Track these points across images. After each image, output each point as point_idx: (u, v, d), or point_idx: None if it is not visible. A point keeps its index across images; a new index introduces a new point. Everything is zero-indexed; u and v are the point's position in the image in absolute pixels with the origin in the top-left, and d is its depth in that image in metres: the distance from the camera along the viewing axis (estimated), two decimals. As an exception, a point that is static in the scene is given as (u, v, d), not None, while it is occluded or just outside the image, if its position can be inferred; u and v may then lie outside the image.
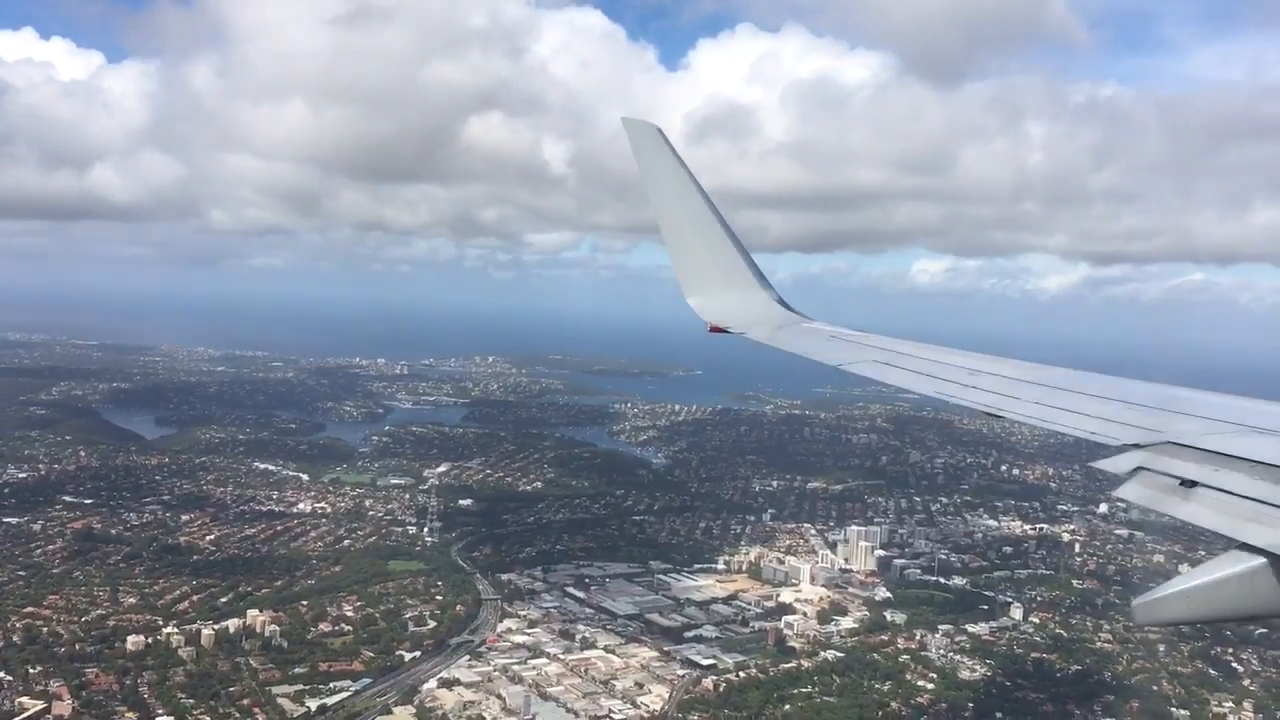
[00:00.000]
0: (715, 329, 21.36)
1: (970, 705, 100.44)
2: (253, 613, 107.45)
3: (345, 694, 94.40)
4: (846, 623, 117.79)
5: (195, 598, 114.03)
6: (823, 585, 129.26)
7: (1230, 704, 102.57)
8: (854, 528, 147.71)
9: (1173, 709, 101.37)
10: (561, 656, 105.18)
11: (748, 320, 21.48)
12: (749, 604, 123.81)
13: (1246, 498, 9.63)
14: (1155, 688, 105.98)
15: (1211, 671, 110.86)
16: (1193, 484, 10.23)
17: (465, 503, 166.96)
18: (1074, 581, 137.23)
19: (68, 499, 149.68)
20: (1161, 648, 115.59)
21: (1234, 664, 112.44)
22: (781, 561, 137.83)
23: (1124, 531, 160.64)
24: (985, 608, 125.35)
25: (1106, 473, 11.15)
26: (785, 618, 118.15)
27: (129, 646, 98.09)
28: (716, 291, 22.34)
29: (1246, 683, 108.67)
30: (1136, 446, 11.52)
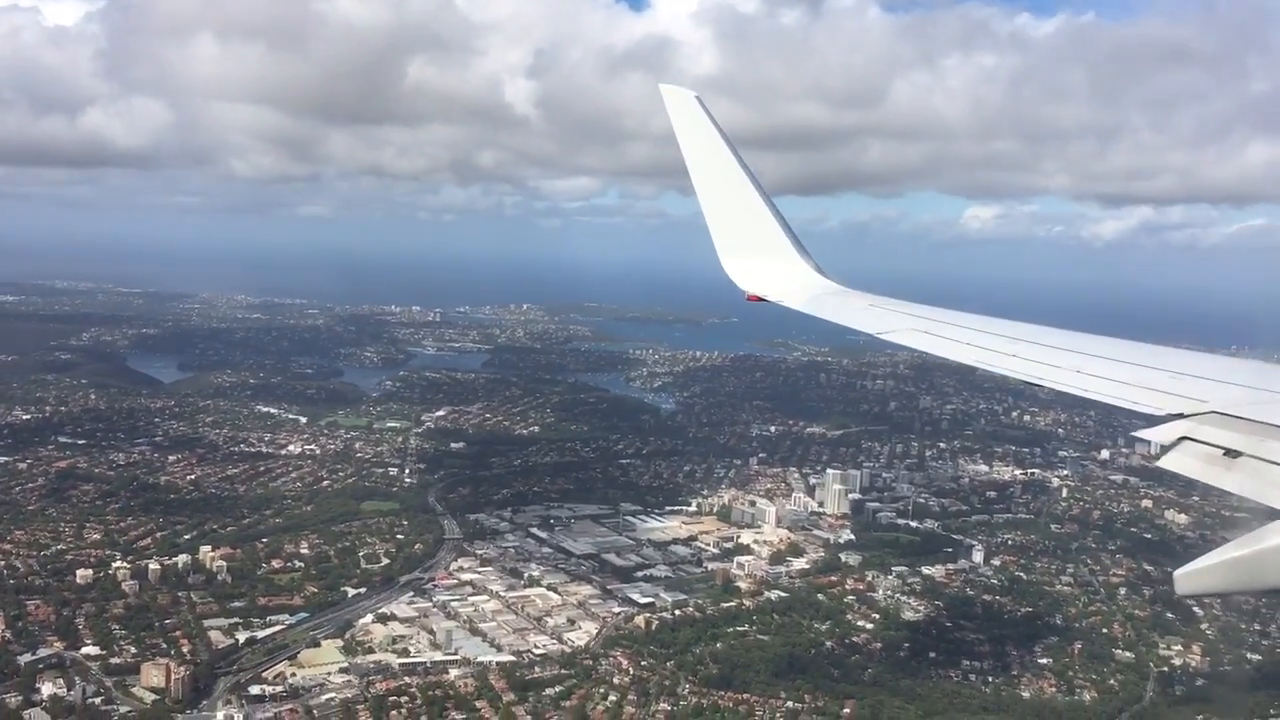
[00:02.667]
0: (753, 297, 21.68)
1: (906, 645, 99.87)
2: (205, 549, 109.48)
3: (278, 628, 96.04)
4: (799, 564, 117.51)
5: (159, 535, 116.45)
6: (787, 528, 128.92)
7: (1179, 647, 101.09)
8: (830, 471, 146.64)
9: (1117, 651, 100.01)
10: (502, 594, 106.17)
11: (785, 289, 21.68)
12: (707, 545, 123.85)
13: None
14: (1105, 630, 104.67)
15: (1170, 615, 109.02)
16: (1236, 454, 10.23)
17: (456, 446, 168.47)
18: (1053, 526, 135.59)
19: (62, 439, 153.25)
20: (1122, 591, 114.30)
21: (1195, 608, 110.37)
22: (752, 504, 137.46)
23: (1119, 477, 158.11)
24: (949, 550, 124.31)
25: (1150, 442, 11.31)
26: (738, 559, 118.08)
27: (78, 580, 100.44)
28: (755, 260, 22.47)
29: (1204, 626, 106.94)
30: (1180, 416, 11.53)
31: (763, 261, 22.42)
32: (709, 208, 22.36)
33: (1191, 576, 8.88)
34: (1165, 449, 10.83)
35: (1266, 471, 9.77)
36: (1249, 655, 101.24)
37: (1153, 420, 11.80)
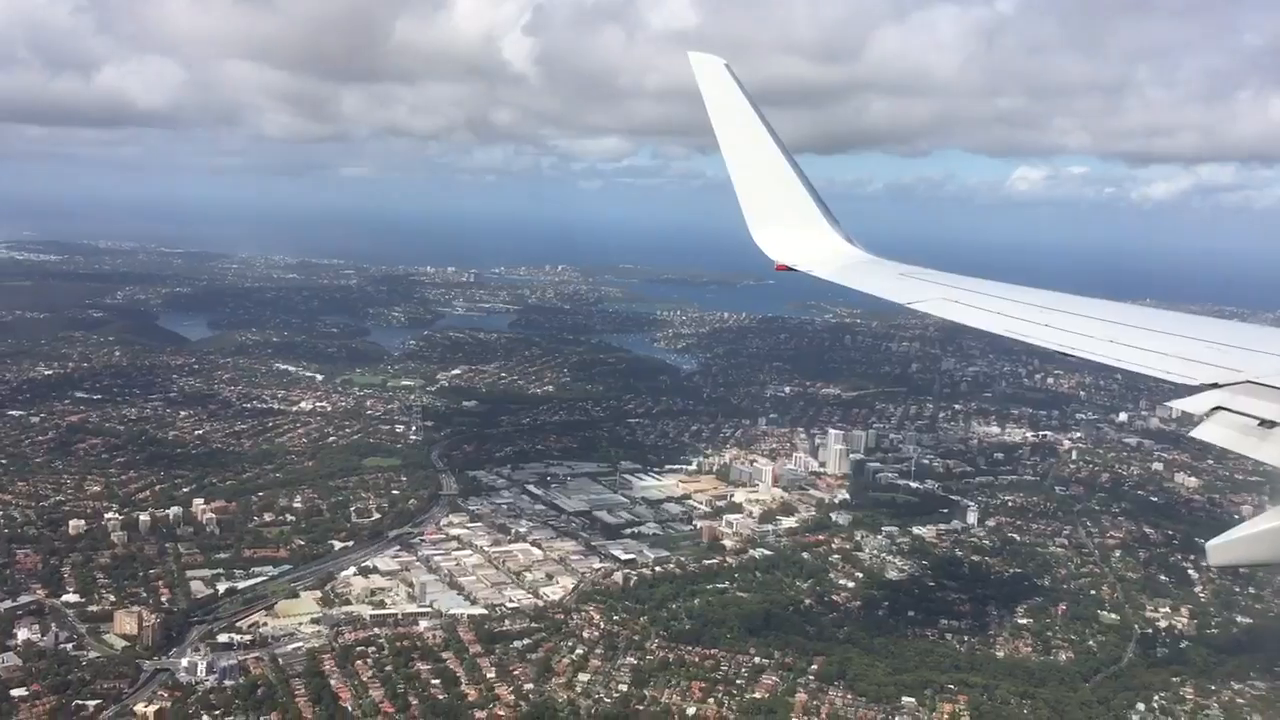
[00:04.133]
0: (782, 266, 21.73)
1: (885, 604, 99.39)
2: (198, 502, 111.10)
3: (260, 579, 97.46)
4: (788, 523, 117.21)
5: (158, 488, 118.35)
6: (782, 487, 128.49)
7: (1166, 609, 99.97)
8: (832, 431, 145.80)
9: (1103, 613, 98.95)
10: (486, 549, 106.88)
11: (815, 258, 21.74)
12: (700, 504, 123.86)
13: None
14: (1093, 592, 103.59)
15: (1163, 578, 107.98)
16: (1272, 424, 10.24)
17: (468, 404, 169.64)
18: (1057, 488, 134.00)
19: (79, 395, 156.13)
20: (1117, 554, 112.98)
21: (1190, 571, 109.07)
22: (752, 464, 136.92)
23: (1133, 440, 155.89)
24: (945, 511, 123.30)
25: (1186, 413, 11.29)
26: (727, 517, 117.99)
27: (70, 530, 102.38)
28: (784, 229, 22.44)
29: (1197, 590, 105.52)
30: (1214, 386, 11.56)
31: (792, 230, 22.33)
32: (738, 177, 22.24)
33: (1224, 548, 8.88)
34: (1199, 419, 10.82)
35: None
36: (1240, 619, 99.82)
37: (1187, 390, 11.75)
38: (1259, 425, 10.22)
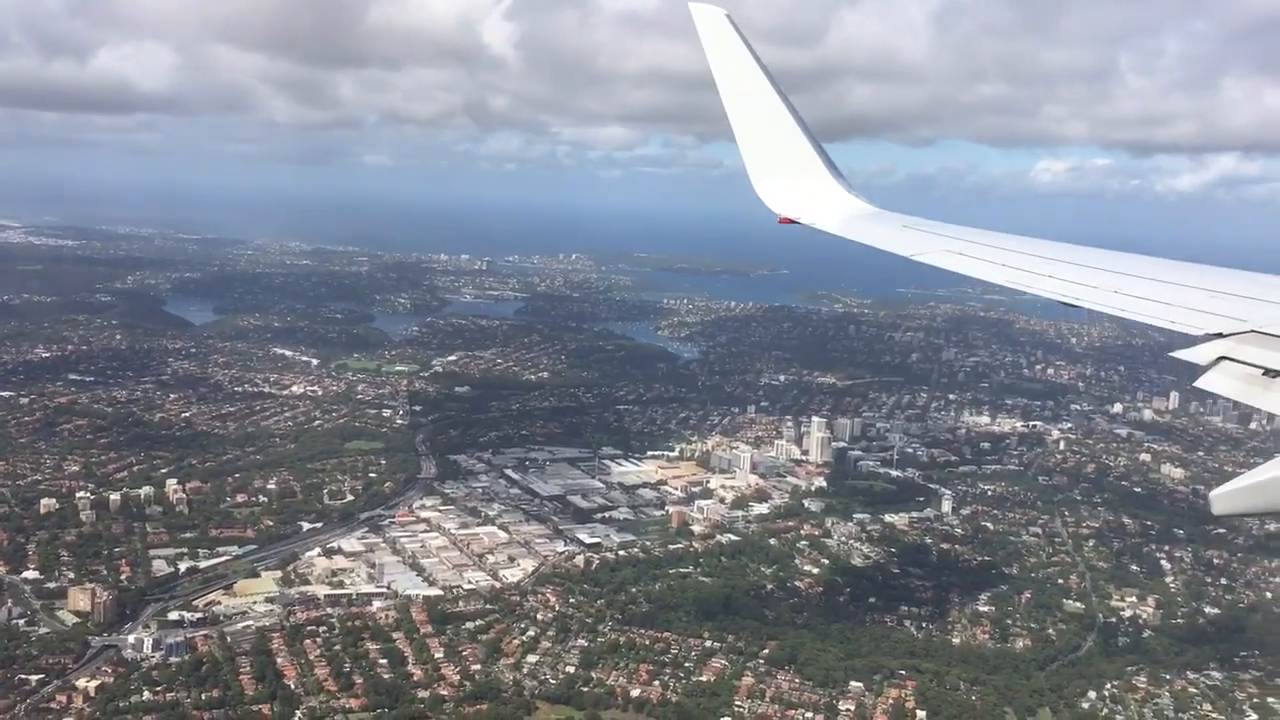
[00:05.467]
0: (785, 220, 21.66)
1: (847, 590, 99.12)
2: (171, 483, 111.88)
3: (223, 559, 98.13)
4: (760, 509, 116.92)
5: (137, 468, 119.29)
6: (760, 474, 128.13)
7: (1133, 599, 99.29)
8: (815, 419, 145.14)
9: (1067, 601, 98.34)
10: (454, 531, 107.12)
11: (818, 211, 21.65)
12: (674, 490, 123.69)
13: None
14: (1061, 581, 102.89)
15: (1134, 568, 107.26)
16: (1277, 373, 10.32)
17: (461, 389, 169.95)
18: (1041, 478, 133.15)
19: (73, 376, 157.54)
20: (1090, 543, 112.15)
21: (1164, 561, 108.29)
22: (734, 450, 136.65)
23: (1124, 431, 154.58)
24: (921, 499, 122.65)
25: (1188, 362, 11.30)
26: (698, 502, 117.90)
27: (41, 508, 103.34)
28: (787, 181, 22.40)
29: (1169, 580, 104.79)
30: (1219, 335, 11.63)
31: (794, 182, 22.21)
32: (740, 129, 22.07)
33: (1226, 497, 8.83)
34: (1204, 369, 10.81)
35: None
36: (1207, 609, 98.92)
37: (1191, 340, 11.72)
38: (1264, 374, 10.24)
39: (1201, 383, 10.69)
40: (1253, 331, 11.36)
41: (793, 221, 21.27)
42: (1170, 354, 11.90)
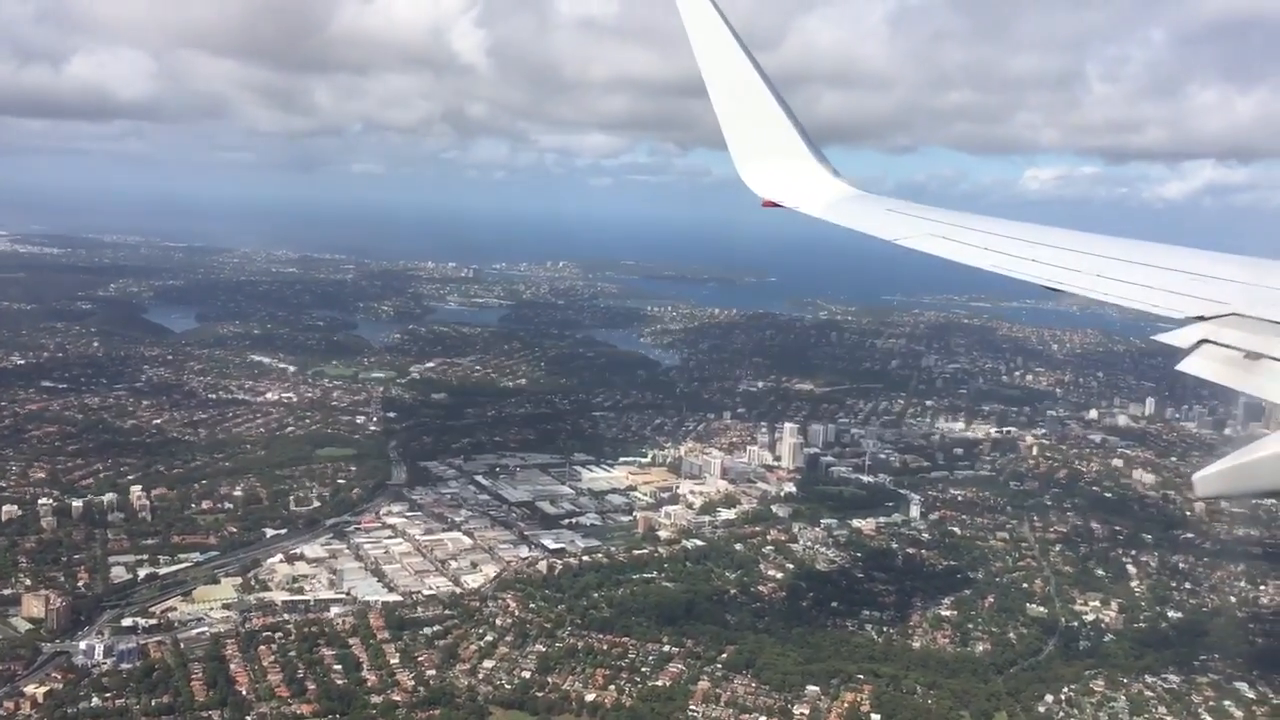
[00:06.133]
0: (768, 203, 21.60)
1: (810, 594, 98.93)
2: (135, 489, 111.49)
3: (184, 565, 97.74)
4: (727, 514, 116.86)
5: (103, 475, 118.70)
6: (730, 480, 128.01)
7: (1096, 603, 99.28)
8: (788, 425, 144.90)
9: (1030, 606, 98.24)
10: (418, 537, 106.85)
11: (802, 195, 21.55)
12: (644, 495, 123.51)
13: None
14: (1025, 585, 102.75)
15: (1100, 572, 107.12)
16: (1257, 356, 10.35)
17: (437, 396, 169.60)
18: (1012, 483, 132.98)
19: (46, 384, 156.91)
20: (1057, 548, 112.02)
21: (1129, 566, 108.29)
22: (705, 456, 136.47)
23: (1098, 437, 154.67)
24: (890, 505, 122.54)
25: (1170, 346, 11.32)
26: (666, 508, 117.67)
27: (2, 516, 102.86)
28: (770, 165, 22.32)
29: (1134, 584, 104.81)
30: (1200, 319, 11.66)
31: (778, 166, 22.11)
32: (723, 113, 22.02)
33: (1208, 480, 8.99)
34: (1185, 352, 10.82)
35: None
36: (1170, 613, 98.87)
37: (1173, 323, 11.75)
38: (1244, 357, 10.29)
39: (1183, 366, 10.77)
40: (1234, 314, 11.39)
41: (776, 205, 21.24)
42: (1152, 337, 11.98)
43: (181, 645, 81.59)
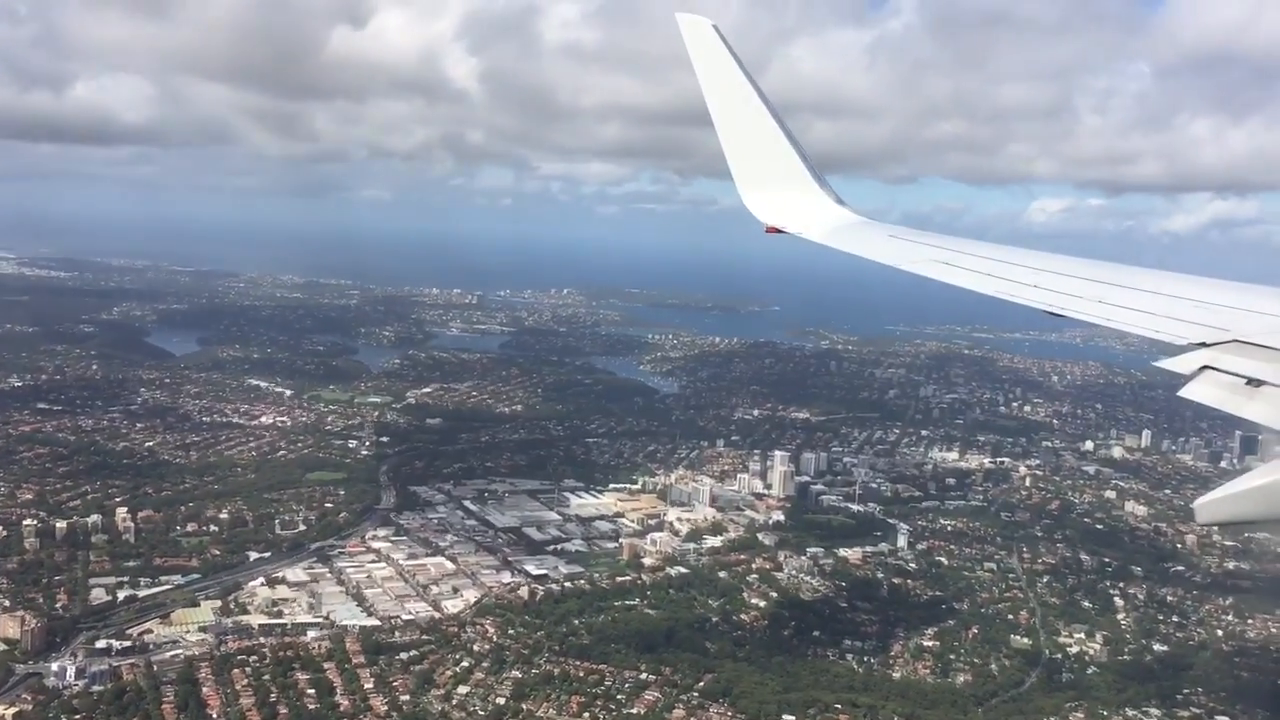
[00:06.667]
0: (772, 229, 21.76)
1: (792, 623, 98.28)
2: (121, 511, 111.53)
3: (165, 588, 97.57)
4: (713, 542, 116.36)
5: (90, 496, 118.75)
6: (719, 507, 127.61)
7: (1081, 635, 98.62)
8: (779, 453, 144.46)
9: (1015, 637, 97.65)
10: (401, 562, 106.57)
11: (805, 221, 21.70)
12: (631, 522, 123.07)
13: None
14: (1010, 617, 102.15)
15: (1087, 604, 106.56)
16: (1259, 383, 10.38)
17: (432, 421, 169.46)
18: (1003, 514, 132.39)
19: (41, 406, 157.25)
20: (1044, 579, 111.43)
21: (1117, 598, 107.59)
22: (695, 483, 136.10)
23: (1092, 468, 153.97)
24: (879, 534, 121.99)
25: (1172, 375, 11.35)
26: (652, 535, 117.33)
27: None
28: (774, 191, 22.52)
29: (1120, 616, 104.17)
30: (1202, 345, 11.72)
31: (782, 193, 22.25)
32: (727, 139, 22.22)
33: (1210, 506, 8.92)
34: (1187, 379, 10.87)
35: None
36: (1156, 646, 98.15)
37: (1175, 350, 11.80)
38: (1246, 384, 10.29)
39: (1185, 392, 10.75)
40: (1235, 341, 11.41)
41: (779, 231, 21.37)
42: (1154, 363, 12.01)
43: (155, 668, 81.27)
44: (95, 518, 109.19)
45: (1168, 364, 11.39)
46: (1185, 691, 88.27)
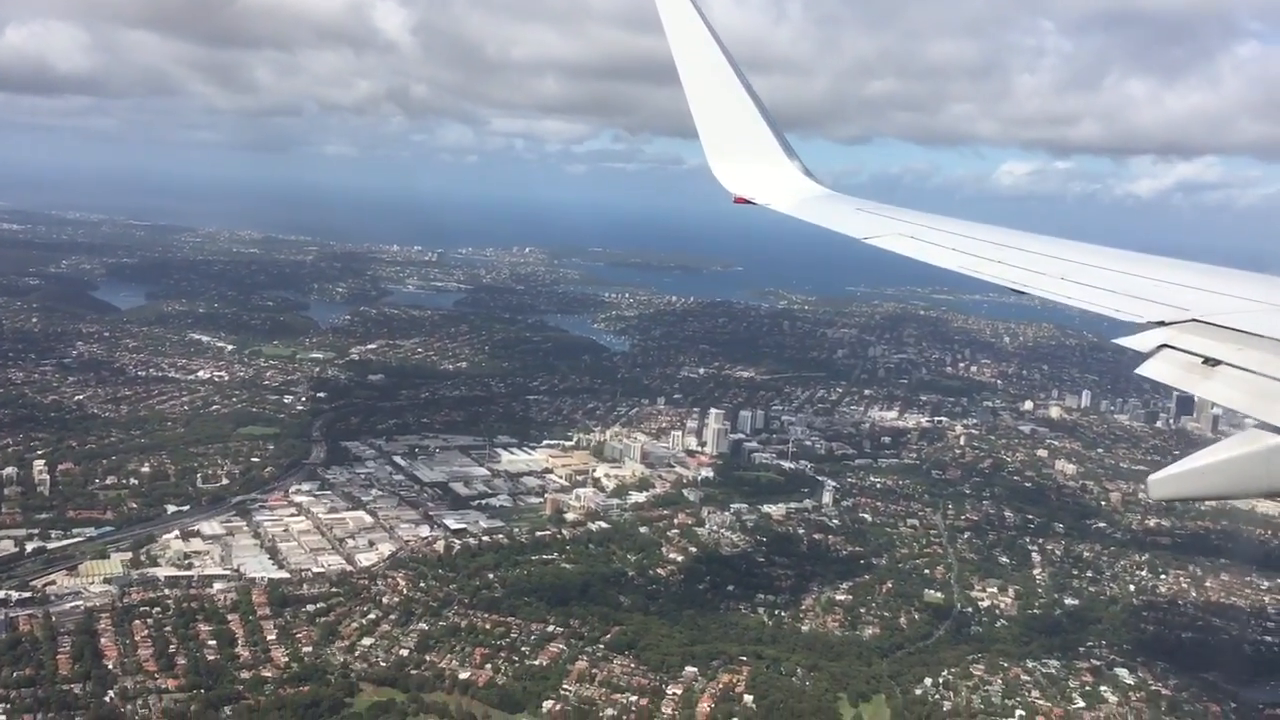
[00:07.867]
0: (740, 199, 21.58)
1: (707, 577, 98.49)
2: (39, 464, 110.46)
3: (76, 540, 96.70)
4: (639, 497, 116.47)
5: (11, 450, 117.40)
6: (649, 464, 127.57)
7: (994, 589, 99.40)
8: (713, 411, 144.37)
9: (928, 591, 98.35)
10: (320, 515, 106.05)
11: (773, 192, 21.59)
12: (559, 478, 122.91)
13: (1269, 376, 9.71)
14: (927, 571, 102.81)
15: (1004, 560, 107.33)
16: (1216, 362, 10.41)
17: (374, 377, 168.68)
18: (934, 472, 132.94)
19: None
20: (965, 535, 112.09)
21: (1035, 554, 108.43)
22: (629, 440, 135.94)
23: (1028, 428, 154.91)
24: (806, 490, 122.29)
25: (1131, 349, 11.31)
26: (579, 490, 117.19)
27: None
28: (743, 162, 22.38)
29: (1036, 571, 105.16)
30: (1161, 324, 11.77)
31: (751, 164, 22.18)
32: (697, 108, 21.96)
33: (1164, 482, 9.01)
34: (1145, 357, 10.94)
35: (1245, 380, 9.85)
36: (1068, 601, 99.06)
37: (1134, 328, 11.86)
38: (1203, 363, 10.41)
39: (1143, 370, 10.83)
40: (1194, 320, 11.55)
41: (747, 201, 21.29)
42: (1113, 341, 12.14)
43: (54, 619, 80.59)
44: (10, 470, 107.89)
45: (1127, 341, 11.53)
46: (1089, 644, 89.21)
